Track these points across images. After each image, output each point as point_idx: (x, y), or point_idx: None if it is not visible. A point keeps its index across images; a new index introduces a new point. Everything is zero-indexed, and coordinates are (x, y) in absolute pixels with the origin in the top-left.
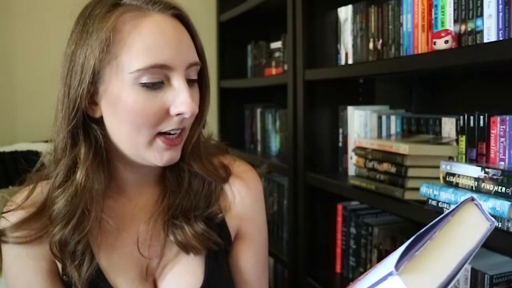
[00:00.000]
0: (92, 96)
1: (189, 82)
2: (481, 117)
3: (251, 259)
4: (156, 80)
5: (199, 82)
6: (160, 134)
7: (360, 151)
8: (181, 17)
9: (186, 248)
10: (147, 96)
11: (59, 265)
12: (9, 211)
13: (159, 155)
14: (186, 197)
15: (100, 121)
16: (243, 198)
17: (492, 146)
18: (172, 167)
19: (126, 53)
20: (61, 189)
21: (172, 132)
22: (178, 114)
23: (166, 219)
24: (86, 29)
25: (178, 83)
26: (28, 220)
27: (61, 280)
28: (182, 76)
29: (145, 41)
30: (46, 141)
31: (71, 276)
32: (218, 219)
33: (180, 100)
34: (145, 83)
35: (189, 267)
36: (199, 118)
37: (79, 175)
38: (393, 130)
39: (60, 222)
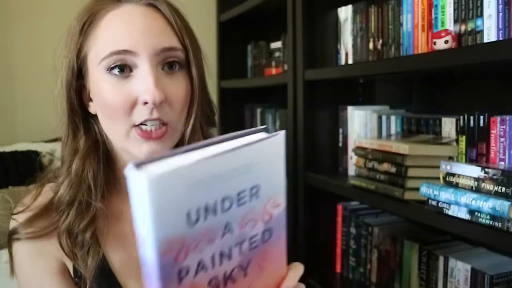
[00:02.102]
0: (89, 93)
1: (168, 69)
2: (481, 117)
3: None
4: (119, 63)
5: (189, 72)
6: (136, 126)
7: (360, 151)
8: (157, 6)
9: None
10: (115, 85)
11: (70, 267)
12: (18, 212)
13: (138, 147)
14: None
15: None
16: None
17: (492, 146)
18: None
19: (96, 46)
20: (63, 177)
21: (147, 124)
22: (145, 103)
23: None
24: (70, 29)
25: (144, 69)
26: (40, 214)
27: (73, 282)
28: (148, 62)
29: (111, 31)
30: (46, 141)
31: (83, 277)
32: None
33: (144, 87)
34: (111, 68)
35: None
36: (191, 109)
37: (75, 164)
38: (393, 130)
39: (64, 210)
